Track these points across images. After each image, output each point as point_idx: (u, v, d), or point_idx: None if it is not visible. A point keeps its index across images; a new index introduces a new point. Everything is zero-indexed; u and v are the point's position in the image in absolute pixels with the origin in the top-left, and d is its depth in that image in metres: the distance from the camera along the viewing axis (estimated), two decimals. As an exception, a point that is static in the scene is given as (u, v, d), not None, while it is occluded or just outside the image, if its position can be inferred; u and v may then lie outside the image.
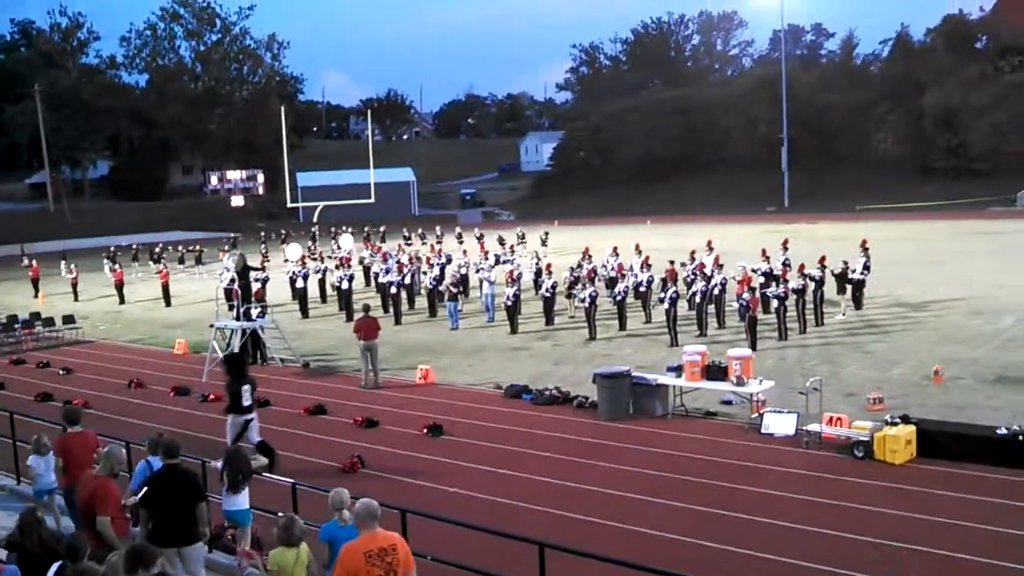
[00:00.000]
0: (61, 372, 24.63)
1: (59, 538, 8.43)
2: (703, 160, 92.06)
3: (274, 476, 11.04)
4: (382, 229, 55.58)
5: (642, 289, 28.25)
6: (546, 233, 48.21)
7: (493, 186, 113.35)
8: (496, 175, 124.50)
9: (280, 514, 9.22)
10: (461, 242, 46.81)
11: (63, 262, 43.46)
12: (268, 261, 44.43)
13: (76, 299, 39.39)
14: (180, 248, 51.66)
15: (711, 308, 25.89)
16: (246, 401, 14.58)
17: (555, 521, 12.28)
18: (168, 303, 36.94)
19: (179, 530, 9.02)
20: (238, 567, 10.48)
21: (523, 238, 47.70)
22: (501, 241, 44.03)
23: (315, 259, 39.38)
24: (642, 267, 29.15)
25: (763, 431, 15.74)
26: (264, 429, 15.31)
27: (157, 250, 49.22)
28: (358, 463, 14.95)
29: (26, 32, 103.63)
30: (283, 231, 60.33)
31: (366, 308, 22.89)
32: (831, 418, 15.19)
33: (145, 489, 9.16)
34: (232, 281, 25.51)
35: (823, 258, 26.80)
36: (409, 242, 49.24)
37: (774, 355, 21.87)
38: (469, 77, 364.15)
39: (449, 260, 35.73)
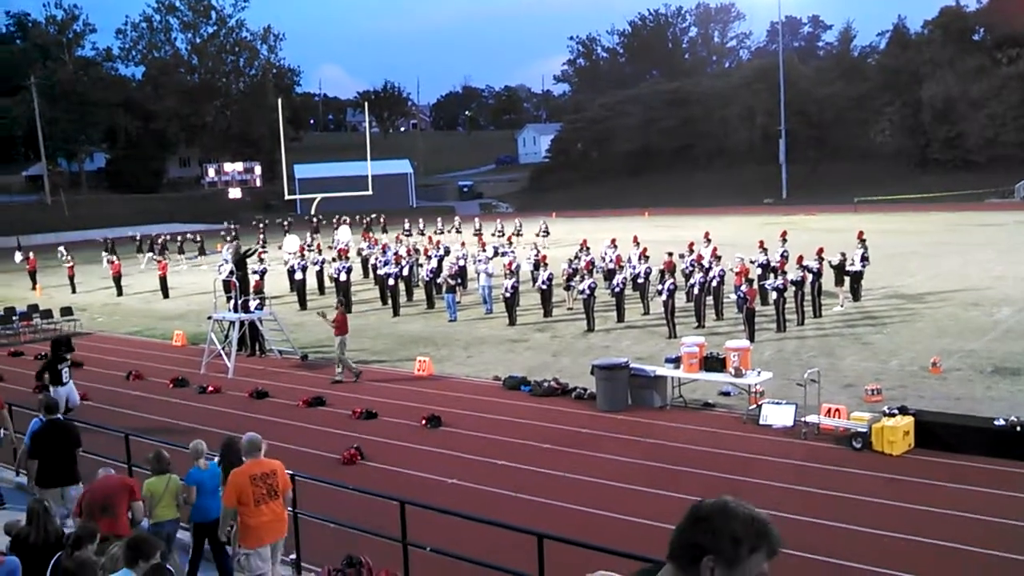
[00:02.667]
0: (59, 364, 24.58)
1: (62, 532, 8.45)
2: (701, 152, 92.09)
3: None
4: (382, 219, 55.58)
5: (640, 281, 28.26)
6: (545, 226, 48.17)
7: (491, 178, 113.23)
8: (494, 167, 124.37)
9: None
10: (459, 233, 46.85)
11: (60, 248, 43.20)
12: (266, 252, 44.43)
13: (74, 291, 39.35)
14: (179, 239, 51.56)
15: (709, 300, 25.92)
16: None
17: (553, 512, 12.30)
18: (166, 295, 36.94)
19: (61, 473, 10.81)
20: (233, 557, 10.51)
21: (520, 230, 47.73)
22: (499, 233, 44.05)
23: (313, 251, 39.38)
24: (640, 259, 29.17)
25: (761, 422, 15.76)
26: (263, 420, 15.34)
27: (160, 241, 49.21)
28: (357, 455, 14.97)
29: (22, 24, 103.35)
30: (284, 221, 60.32)
31: (340, 302, 22.68)
32: (829, 409, 15.21)
33: (30, 442, 10.97)
34: (231, 273, 25.50)
35: (821, 250, 26.82)
36: (408, 233, 49.28)
37: (772, 346, 21.90)
38: (466, 69, 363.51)
39: (447, 252, 35.75)
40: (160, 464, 9.78)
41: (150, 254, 47.12)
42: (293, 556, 10.06)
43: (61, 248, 42.92)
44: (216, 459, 10.36)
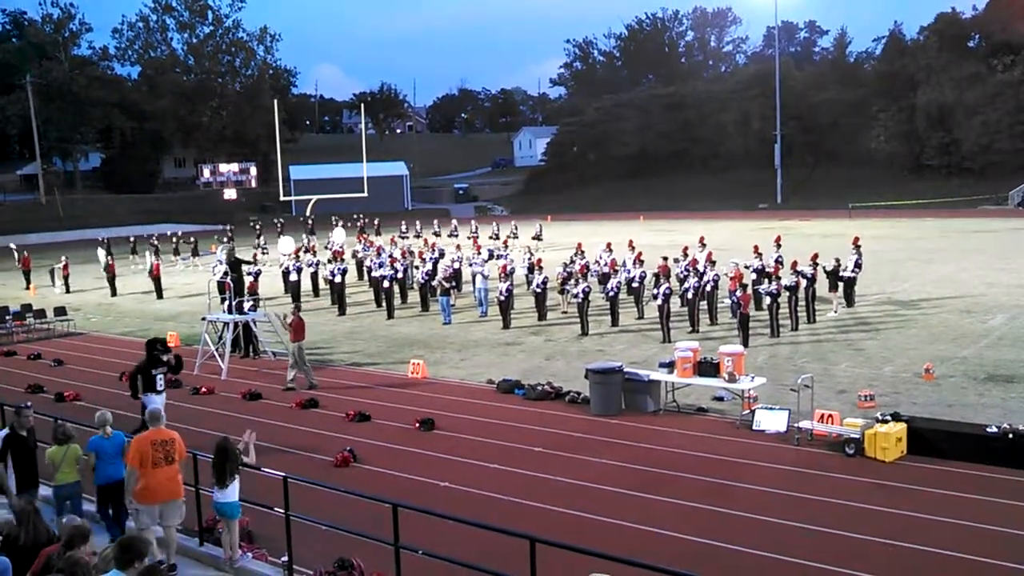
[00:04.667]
0: (52, 364, 24.57)
1: (52, 533, 8.43)
2: (696, 156, 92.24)
3: (266, 470, 11.04)
4: (376, 222, 55.56)
5: (635, 285, 28.27)
6: (540, 229, 48.21)
7: (486, 181, 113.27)
8: (489, 170, 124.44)
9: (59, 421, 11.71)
10: (454, 236, 46.90)
11: (54, 267, 42.48)
12: (266, 253, 44.41)
13: (67, 291, 39.28)
14: (173, 239, 51.47)
15: (703, 304, 25.95)
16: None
17: (546, 516, 12.29)
18: (160, 295, 36.89)
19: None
20: (225, 560, 10.51)
21: (516, 233, 47.73)
22: (494, 236, 44.07)
23: (308, 252, 39.37)
24: (635, 263, 29.18)
25: (755, 428, 15.77)
26: (256, 422, 15.31)
27: (154, 242, 49.08)
28: (350, 457, 14.96)
29: (18, 23, 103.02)
30: (278, 221, 60.25)
31: (296, 308, 22.30)
32: (822, 415, 15.22)
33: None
34: (225, 274, 25.48)
35: (815, 255, 26.87)
36: (404, 236, 49.29)
37: (766, 352, 21.92)
38: (462, 71, 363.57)
39: (442, 254, 35.76)
40: (60, 436, 11.02)
41: (151, 257, 46.96)
42: (284, 558, 10.04)
43: (56, 268, 42.05)
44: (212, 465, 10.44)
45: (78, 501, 11.14)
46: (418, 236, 50.02)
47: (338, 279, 31.75)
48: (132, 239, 51.08)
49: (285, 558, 10.05)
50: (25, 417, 11.30)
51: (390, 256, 33.27)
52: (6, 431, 11.31)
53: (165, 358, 15.83)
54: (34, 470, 11.38)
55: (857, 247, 28.49)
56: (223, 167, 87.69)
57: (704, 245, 32.42)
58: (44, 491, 11.59)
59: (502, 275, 28.48)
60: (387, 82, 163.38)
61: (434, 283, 30.11)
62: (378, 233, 51.68)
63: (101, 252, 42.08)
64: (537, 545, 7.94)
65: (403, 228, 51.57)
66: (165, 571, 6.50)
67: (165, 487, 10.24)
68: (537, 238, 45.92)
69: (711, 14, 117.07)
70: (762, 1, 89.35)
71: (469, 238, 44.65)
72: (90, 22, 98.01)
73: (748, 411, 16.31)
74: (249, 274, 29.29)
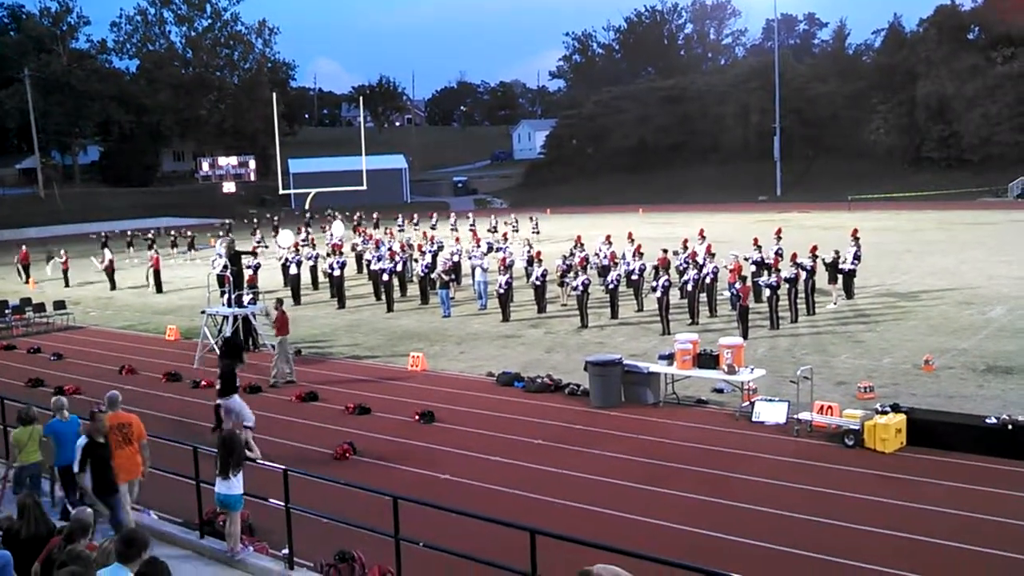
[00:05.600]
0: (52, 358, 24.55)
1: (53, 526, 8.44)
2: (696, 149, 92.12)
3: (266, 463, 11.05)
4: (375, 216, 55.53)
5: (634, 277, 28.26)
6: (535, 222, 48.17)
7: (485, 174, 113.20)
8: (489, 163, 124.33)
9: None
10: (454, 230, 46.85)
11: (55, 259, 42.51)
12: (266, 247, 44.36)
13: (67, 285, 39.27)
14: (172, 233, 51.44)
15: (703, 297, 25.95)
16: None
17: (546, 508, 12.32)
18: (159, 289, 36.87)
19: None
20: (227, 552, 10.51)
21: (516, 226, 47.73)
22: (493, 229, 44.05)
23: (307, 245, 39.34)
24: (634, 255, 29.16)
25: (754, 419, 15.80)
26: (256, 415, 15.29)
27: (150, 236, 49.05)
28: (350, 450, 14.97)
29: (16, 16, 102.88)
30: (275, 216, 60.21)
31: (280, 302, 22.07)
32: (822, 407, 15.24)
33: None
34: (224, 267, 25.44)
35: (815, 247, 26.87)
36: (401, 229, 49.26)
37: (765, 344, 21.93)
38: (461, 64, 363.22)
39: (441, 247, 35.74)
40: (25, 417, 11.42)
41: (148, 252, 46.91)
42: (285, 551, 10.05)
43: (55, 259, 42.14)
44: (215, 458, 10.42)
45: (38, 480, 11.64)
46: (416, 227, 50.01)
47: (337, 272, 31.74)
48: (129, 233, 51.07)
49: (286, 551, 10.05)
50: (101, 421, 10.77)
51: (389, 249, 33.24)
52: (84, 439, 10.64)
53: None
54: (111, 475, 10.81)
55: (856, 239, 28.49)
56: (222, 160, 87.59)
57: (703, 238, 32.43)
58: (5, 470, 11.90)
59: (501, 268, 28.47)
60: (386, 75, 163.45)
61: (433, 276, 30.10)
62: (376, 226, 51.64)
63: (107, 252, 41.78)
64: (537, 537, 7.95)
65: (399, 221, 51.52)
66: (167, 565, 6.49)
67: (127, 468, 10.82)
68: (535, 231, 45.95)
69: (710, 7, 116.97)
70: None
71: (469, 230, 44.65)
72: (88, 15, 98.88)
73: (748, 403, 16.33)
74: (249, 267, 29.25)
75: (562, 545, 8.06)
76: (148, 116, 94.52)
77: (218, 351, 15.72)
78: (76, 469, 10.49)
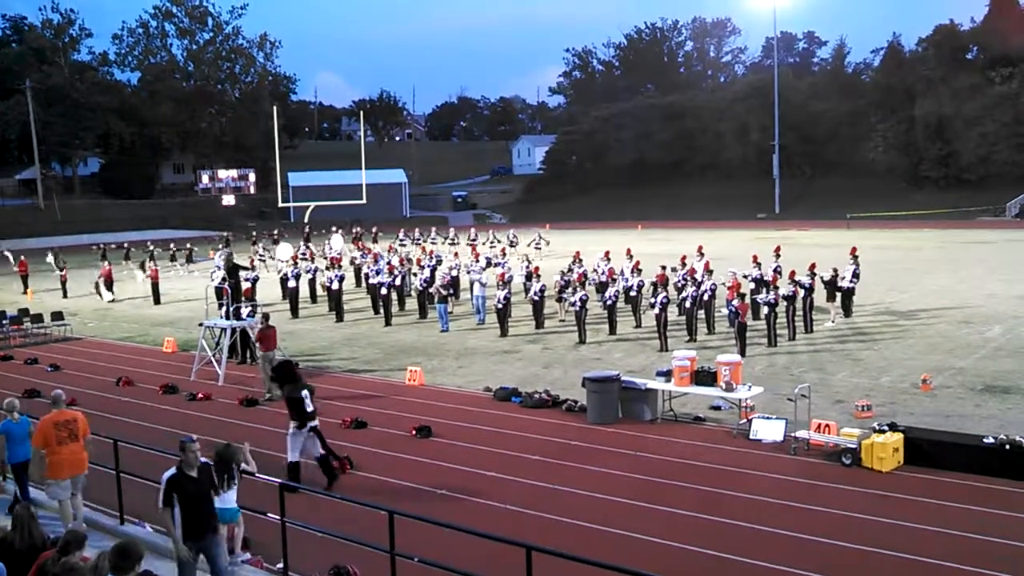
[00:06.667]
0: (49, 369, 24.51)
1: (47, 538, 8.40)
2: (695, 166, 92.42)
3: (262, 476, 11.01)
4: (374, 230, 55.59)
5: (632, 294, 28.28)
6: (539, 237, 48.20)
7: (485, 189, 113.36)
8: (488, 178, 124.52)
9: None
10: (454, 244, 46.90)
11: (49, 258, 42.83)
12: (266, 259, 44.37)
13: (65, 296, 39.25)
14: (172, 246, 51.45)
15: (701, 313, 25.95)
16: (309, 407, 14.17)
17: (542, 524, 12.28)
18: (157, 301, 36.85)
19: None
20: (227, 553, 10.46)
21: (514, 241, 47.76)
22: (492, 244, 44.10)
23: (306, 259, 39.37)
24: (633, 272, 29.20)
25: (751, 437, 15.77)
26: (252, 428, 15.25)
27: (149, 248, 49.10)
28: (346, 464, 14.91)
29: (17, 28, 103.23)
30: (275, 230, 60.26)
31: (266, 316, 22.12)
32: (819, 425, 15.21)
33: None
34: (223, 280, 25.46)
35: (813, 265, 26.90)
36: (403, 243, 49.27)
37: (763, 361, 21.92)
38: (462, 79, 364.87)
39: (440, 262, 35.77)
40: None
41: (149, 263, 46.96)
42: (280, 565, 10.01)
43: (49, 258, 42.32)
44: (210, 461, 10.32)
45: None
46: (416, 242, 50.02)
47: (336, 286, 31.74)
48: (127, 245, 51.09)
49: (281, 565, 10.02)
50: (192, 452, 9.37)
51: (388, 263, 33.26)
52: (172, 471, 9.35)
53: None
54: (209, 515, 9.46)
55: (855, 257, 28.52)
56: (222, 173, 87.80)
57: (702, 254, 32.47)
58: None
59: (500, 283, 28.49)
60: (386, 90, 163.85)
61: (432, 290, 30.11)
62: (375, 240, 51.69)
63: (106, 262, 41.82)
64: (533, 554, 7.92)
65: (400, 238, 51.55)
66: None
67: (72, 463, 11.22)
68: (534, 246, 45.98)
69: (710, 24, 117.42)
70: (761, 11, 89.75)
71: (468, 245, 44.67)
72: (90, 28, 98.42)
73: (745, 420, 16.30)
74: (246, 280, 29.25)
75: (558, 562, 8.03)
76: (149, 128, 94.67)
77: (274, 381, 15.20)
78: (160, 505, 9.22)
